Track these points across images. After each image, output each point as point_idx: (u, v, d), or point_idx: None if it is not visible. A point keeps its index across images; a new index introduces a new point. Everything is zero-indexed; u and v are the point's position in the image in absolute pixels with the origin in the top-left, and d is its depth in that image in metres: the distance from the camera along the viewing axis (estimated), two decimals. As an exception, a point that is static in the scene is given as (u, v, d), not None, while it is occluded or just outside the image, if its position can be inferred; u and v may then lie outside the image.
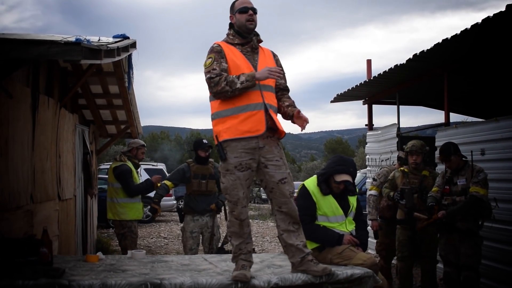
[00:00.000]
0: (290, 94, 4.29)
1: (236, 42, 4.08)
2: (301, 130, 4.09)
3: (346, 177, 4.66)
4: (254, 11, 4.04)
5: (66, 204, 7.47)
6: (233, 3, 4.13)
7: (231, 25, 4.16)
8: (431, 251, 6.31)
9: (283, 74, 4.19)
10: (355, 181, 4.93)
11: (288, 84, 4.32)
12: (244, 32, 4.06)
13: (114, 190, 6.95)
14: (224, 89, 3.84)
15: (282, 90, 4.23)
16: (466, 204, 5.46)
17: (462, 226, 5.53)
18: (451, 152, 5.69)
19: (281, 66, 4.23)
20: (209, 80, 3.89)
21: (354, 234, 4.78)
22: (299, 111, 4.04)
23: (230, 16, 4.13)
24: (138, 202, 7.12)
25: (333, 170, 4.71)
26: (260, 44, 4.19)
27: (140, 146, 7.30)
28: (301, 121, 4.01)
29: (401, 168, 6.61)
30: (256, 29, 4.14)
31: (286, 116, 4.17)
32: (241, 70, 3.93)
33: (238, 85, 3.82)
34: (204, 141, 7.12)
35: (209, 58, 3.97)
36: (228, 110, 3.94)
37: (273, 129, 4.00)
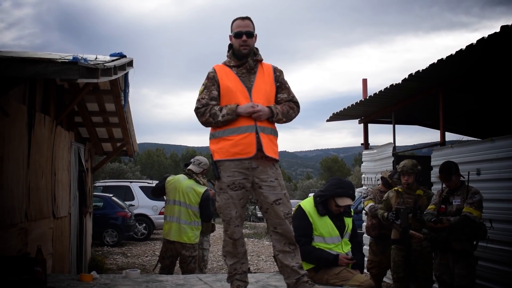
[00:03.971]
0: None
1: (232, 64, 4.08)
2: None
3: (348, 201, 4.72)
4: (248, 35, 4.03)
5: (60, 222, 7.43)
6: (232, 23, 4.12)
7: (230, 46, 4.16)
8: (426, 272, 6.29)
9: (287, 90, 4.16)
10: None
11: None
12: (240, 56, 4.06)
13: (194, 214, 6.55)
14: (208, 120, 3.94)
15: (286, 102, 4.13)
16: (457, 222, 5.44)
17: (456, 246, 5.51)
18: (452, 171, 5.68)
19: (281, 81, 4.18)
20: (196, 111, 4.00)
21: (350, 255, 4.77)
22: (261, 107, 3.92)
23: (230, 36, 4.12)
24: None
25: (333, 193, 4.73)
26: (263, 61, 4.17)
27: (208, 167, 6.81)
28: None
29: (395, 188, 6.61)
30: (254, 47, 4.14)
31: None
32: (233, 93, 3.95)
33: (220, 118, 3.89)
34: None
35: (202, 85, 4.05)
36: (220, 132, 3.96)
37: (263, 152, 3.93)
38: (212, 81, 4.01)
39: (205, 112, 3.93)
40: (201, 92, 4.01)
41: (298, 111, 4.18)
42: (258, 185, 3.92)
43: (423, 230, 5.85)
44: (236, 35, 4.02)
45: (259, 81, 4.05)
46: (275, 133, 4.07)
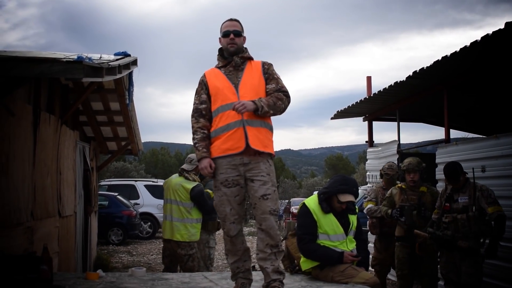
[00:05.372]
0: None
1: (220, 65, 4.21)
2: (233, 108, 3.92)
3: (350, 198, 4.70)
4: (236, 33, 4.13)
5: (66, 221, 7.45)
6: (221, 25, 4.24)
7: (219, 50, 4.28)
8: (430, 269, 6.28)
9: (275, 81, 4.16)
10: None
11: None
12: (228, 54, 4.17)
13: (186, 210, 6.57)
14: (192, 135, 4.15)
15: (275, 93, 4.11)
16: (499, 227, 5.39)
17: (463, 244, 5.49)
18: (459, 173, 5.64)
19: (270, 73, 4.19)
20: (191, 115, 4.18)
21: (355, 253, 4.77)
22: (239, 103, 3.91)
23: (219, 38, 4.23)
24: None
25: (336, 190, 4.73)
26: (253, 59, 4.23)
27: None
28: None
29: (399, 185, 6.60)
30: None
31: None
32: (220, 91, 4.06)
33: (194, 144, 4.10)
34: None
35: (196, 89, 4.25)
36: (214, 132, 4.06)
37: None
38: (201, 85, 4.20)
39: (193, 123, 4.14)
40: (194, 98, 4.22)
41: (289, 102, 4.15)
42: (250, 179, 3.95)
43: (428, 229, 5.83)
44: (224, 34, 4.16)
45: (246, 77, 4.11)
46: (266, 126, 4.06)
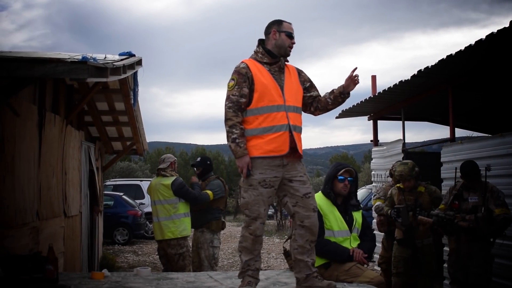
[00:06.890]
0: None
1: (265, 60, 4.09)
2: (358, 82, 4.16)
3: (347, 169, 4.78)
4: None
5: (72, 221, 7.47)
6: (281, 22, 4.16)
7: (260, 42, 4.18)
8: (429, 270, 6.23)
9: (316, 88, 4.34)
10: (360, 197, 4.93)
11: None
12: (278, 52, 4.10)
13: (172, 207, 6.62)
14: (226, 129, 3.96)
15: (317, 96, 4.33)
16: (501, 227, 5.35)
17: (463, 224, 5.44)
18: (479, 171, 5.61)
19: (310, 80, 4.32)
20: (225, 108, 3.97)
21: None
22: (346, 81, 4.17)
23: (273, 31, 4.10)
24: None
25: (335, 171, 4.79)
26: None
27: (175, 160, 7.01)
28: (353, 80, 4.15)
29: (398, 185, 6.55)
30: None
31: (338, 98, 4.24)
32: (267, 90, 3.96)
33: (229, 142, 3.92)
34: (198, 159, 7.23)
35: (232, 79, 4.01)
36: (254, 130, 3.97)
37: (294, 150, 4.01)
38: (244, 77, 3.97)
39: (228, 118, 3.93)
40: (231, 88, 3.98)
41: None
42: (289, 179, 4.00)
43: (431, 212, 5.75)
44: (290, 35, 4.13)
45: (288, 81, 4.12)
46: (301, 131, 4.17)
